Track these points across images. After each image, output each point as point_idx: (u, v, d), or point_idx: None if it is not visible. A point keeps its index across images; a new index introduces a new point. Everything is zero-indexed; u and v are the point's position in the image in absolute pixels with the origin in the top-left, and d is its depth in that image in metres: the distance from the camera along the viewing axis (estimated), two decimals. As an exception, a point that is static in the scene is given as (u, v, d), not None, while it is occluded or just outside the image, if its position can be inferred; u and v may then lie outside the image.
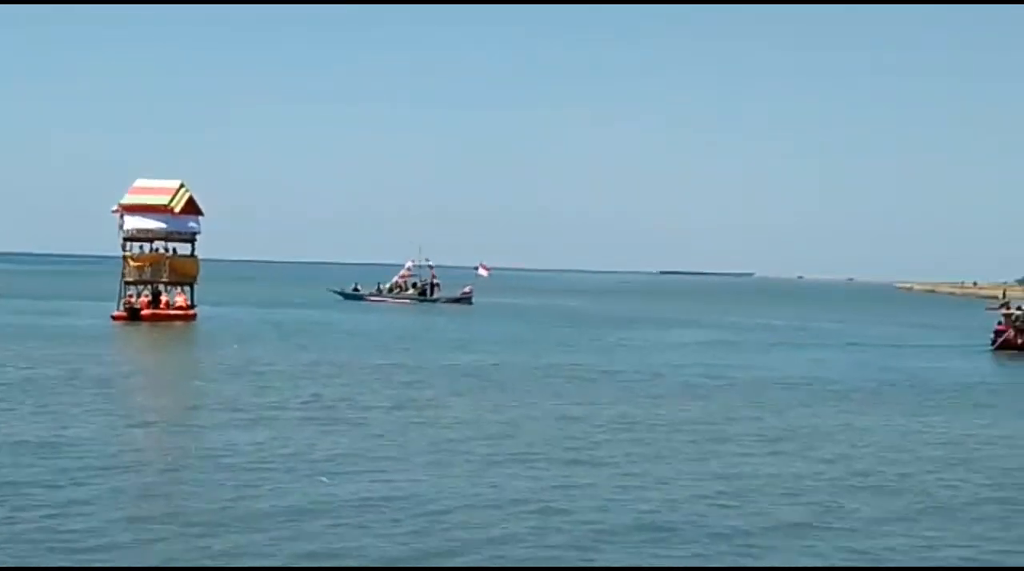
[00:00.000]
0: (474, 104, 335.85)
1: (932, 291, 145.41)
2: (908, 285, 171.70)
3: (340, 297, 68.02)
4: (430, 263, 66.70)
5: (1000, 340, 38.04)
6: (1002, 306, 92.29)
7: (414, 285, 66.92)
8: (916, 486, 14.42)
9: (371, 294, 67.36)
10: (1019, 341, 37.53)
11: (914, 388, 26.84)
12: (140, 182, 43.45)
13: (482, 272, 72.91)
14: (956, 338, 46.93)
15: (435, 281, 66.52)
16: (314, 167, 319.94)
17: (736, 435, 18.24)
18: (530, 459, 15.46)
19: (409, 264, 67.44)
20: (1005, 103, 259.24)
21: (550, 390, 23.70)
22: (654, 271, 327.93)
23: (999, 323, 38.99)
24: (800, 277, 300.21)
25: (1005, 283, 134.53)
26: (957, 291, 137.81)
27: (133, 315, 40.98)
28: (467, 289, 66.30)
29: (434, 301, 65.15)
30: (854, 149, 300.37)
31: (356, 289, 68.51)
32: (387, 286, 67.98)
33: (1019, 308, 40.17)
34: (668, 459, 15.85)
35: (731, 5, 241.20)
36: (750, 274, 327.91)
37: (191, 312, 42.39)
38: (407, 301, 65.06)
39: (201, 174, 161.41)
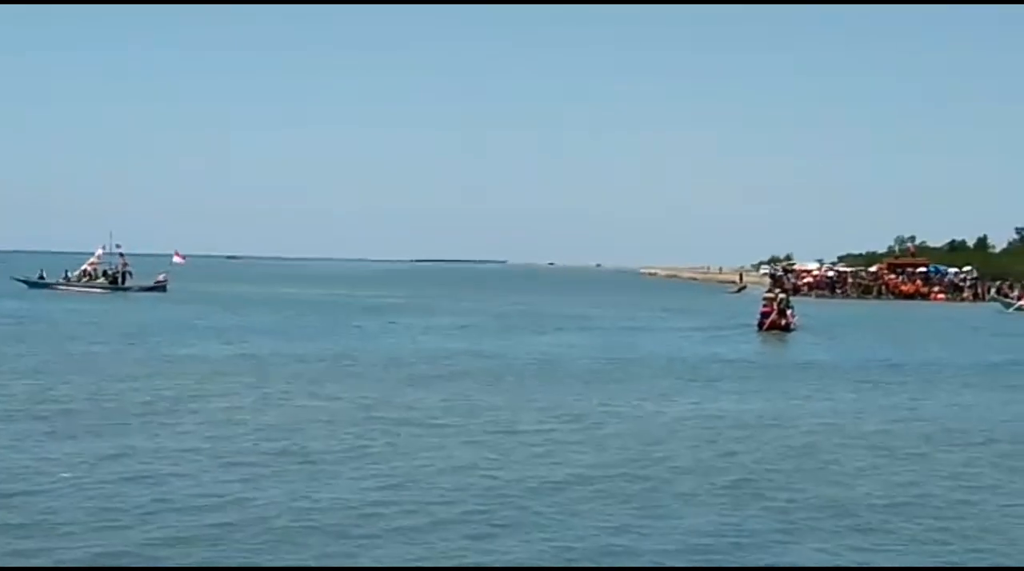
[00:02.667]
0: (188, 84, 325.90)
1: (675, 276, 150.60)
2: (653, 271, 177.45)
3: (25, 286, 64.55)
4: (121, 250, 64.95)
5: (768, 321, 40.19)
6: (740, 290, 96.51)
7: (104, 273, 64.91)
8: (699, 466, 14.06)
9: (58, 283, 64.62)
10: (782, 322, 40.28)
11: (686, 367, 27.38)
12: None
13: (177, 260, 73.71)
14: (719, 320, 48.50)
15: (127, 269, 64.88)
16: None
17: (464, 424, 17.57)
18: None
19: (99, 251, 65.32)
20: (747, 93, 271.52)
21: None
22: (408, 259, 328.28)
23: (765, 304, 41.49)
24: (551, 264, 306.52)
25: (743, 268, 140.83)
26: (699, 276, 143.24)
27: None
28: (161, 277, 65.21)
29: (126, 289, 63.41)
30: (595, 140, 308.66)
31: (42, 277, 65.69)
32: (75, 274, 65.57)
33: (784, 292, 45.08)
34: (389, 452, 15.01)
35: None
36: (503, 261, 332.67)
37: None
38: (98, 289, 62.71)
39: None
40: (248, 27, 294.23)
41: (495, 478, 13.47)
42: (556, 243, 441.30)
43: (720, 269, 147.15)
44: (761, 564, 10.24)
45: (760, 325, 40.74)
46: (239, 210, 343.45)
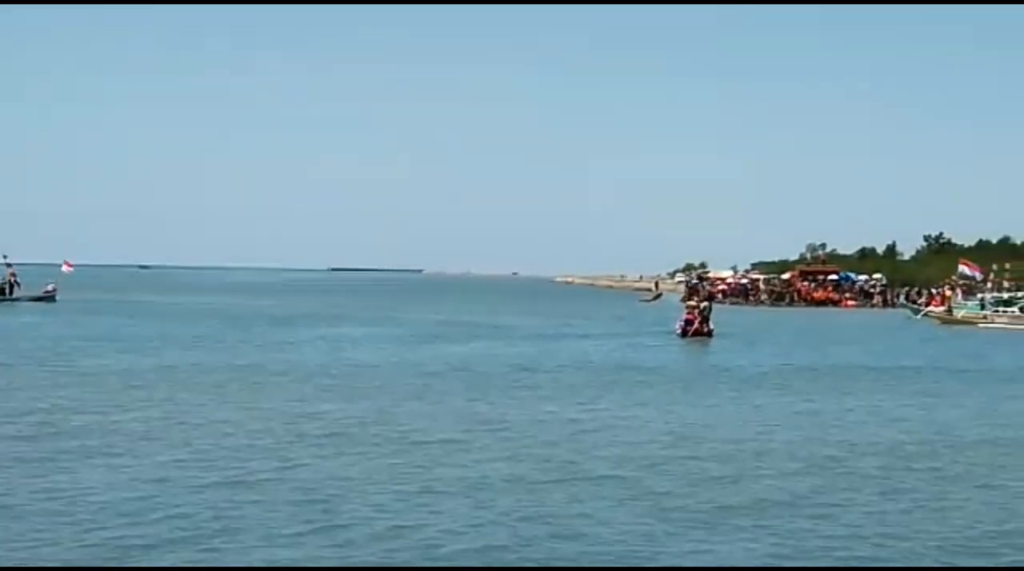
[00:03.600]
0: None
1: (591, 284, 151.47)
2: (569, 279, 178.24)
3: None
4: (7, 261, 63.71)
5: (692, 329, 41.21)
6: (656, 298, 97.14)
7: None
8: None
9: None
10: (705, 329, 41.45)
11: (619, 374, 27.32)
12: None
13: (66, 269, 73.26)
14: (638, 327, 49.00)
15: (15, 279, 63.69)
16: None
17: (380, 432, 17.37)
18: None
19: None
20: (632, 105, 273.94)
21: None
22: (324, 268, 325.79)
23: (688, 312, 42.79)
24: (467, 272, 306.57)
25: (658, 276, 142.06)
26: (615, 284, 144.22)
27: None
28: (50, 287, 64.44)
29: (15, 300, 62.15)
30: (512, 152, 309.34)
31: None
32: None
33: (708, 299, 48.00)
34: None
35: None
36: (419, 270, 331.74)
37: None
38: None
39: None
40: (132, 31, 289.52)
41: (408, 483, 13.31)
42: (473, 252, 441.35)
43: (641, 277, 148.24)
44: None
45: (684, 333, 41.53)
46: (149, 219, 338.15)
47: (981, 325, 55.67)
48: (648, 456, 15.77)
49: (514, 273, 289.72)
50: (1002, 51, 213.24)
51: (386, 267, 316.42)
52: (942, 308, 63.94)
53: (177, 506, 12.02)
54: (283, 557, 10.26)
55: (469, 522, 11.63)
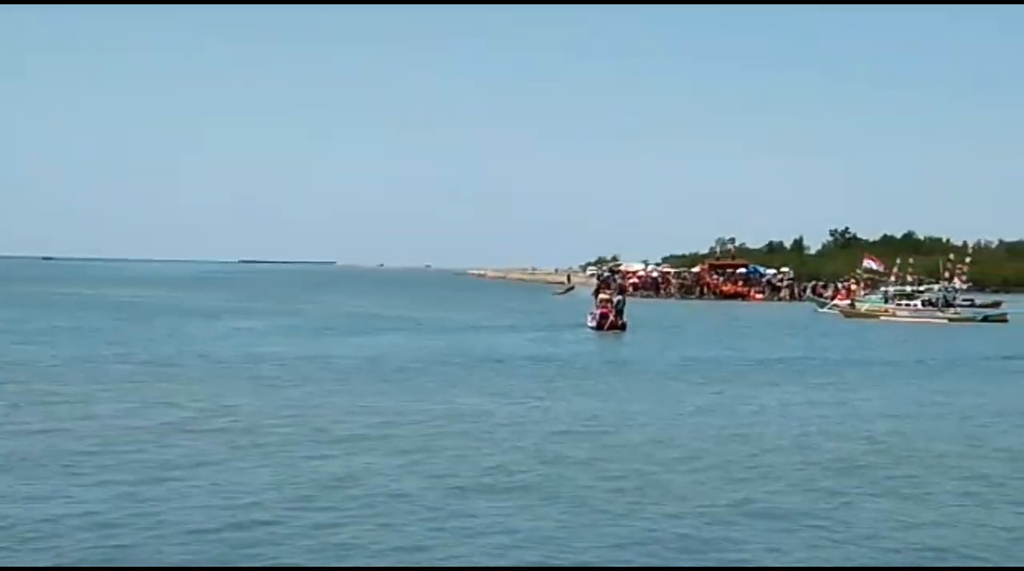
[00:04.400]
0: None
1: (504, 277, 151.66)
2: (482, 272, 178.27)
3: None
4: None
5: (608, 322, 42.09)
6: (567, 291, 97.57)
7: None
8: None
9: None
10: (619, 322, 42.43)
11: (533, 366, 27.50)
12: None
13: None
14: (550, 320, 49.47)
15: None
16: None
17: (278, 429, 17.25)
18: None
19: None
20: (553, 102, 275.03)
21: None
22: (234, 260, 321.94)
23: (602, 306, 43.86)
24: (381, 265, 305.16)
25: (570, 269, 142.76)
26: (527, 277, 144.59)
27: None
28: None
29: None
30: (424, 139, 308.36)
31: None
32: None
33: (621, 293, 49.68)
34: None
35: None
36: (332, 262, 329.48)
37: None
38: None
39: None
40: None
41: (318, 474, 13.25)
42: (386, 244, 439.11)
43: (556, 270, 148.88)
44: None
45: (600, 325, 42.32)
46: (55, 209, 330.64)
47: (883, 318, 56.97)
48: (560, 449, 15.88)
49: (427, 266, 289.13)
50: (901, 47, 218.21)
51: (299, 259, 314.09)
52: (847, 301, 65.26)
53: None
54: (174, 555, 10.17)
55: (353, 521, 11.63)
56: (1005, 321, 56.13)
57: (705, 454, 15.74)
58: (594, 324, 42.63)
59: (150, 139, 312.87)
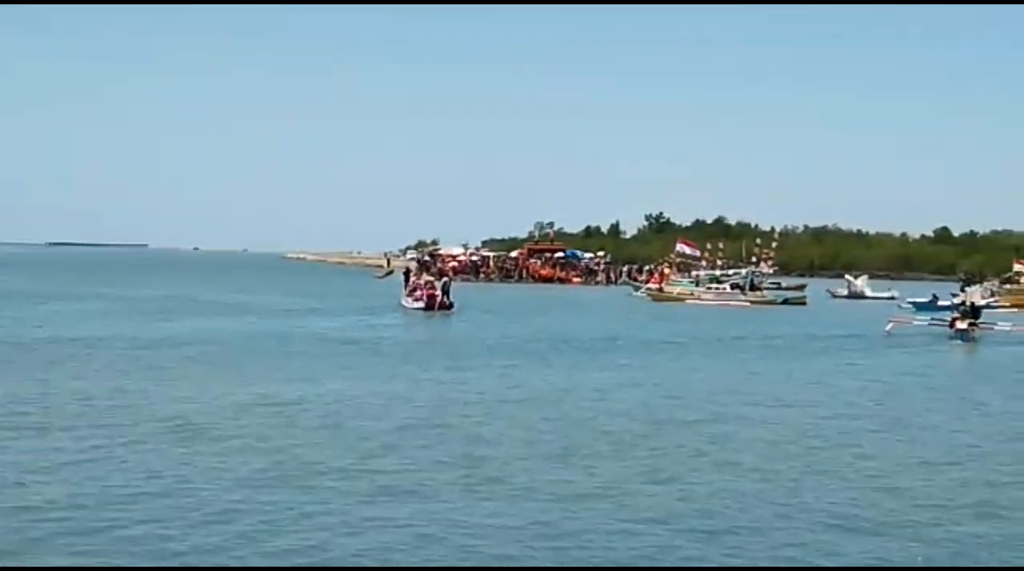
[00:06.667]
0: None
1: (323, 261, 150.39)
2: (301, 255, 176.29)
3: None
4: None
5: (437, 302, 44.18)
6: (387, 274, 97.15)
7: None
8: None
9: None
10: (446, 302, 44.46)
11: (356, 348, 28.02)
12: None
13: None
14: (371, 303, 49.76)
15: None
16: None
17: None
18: None
19: None
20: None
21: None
22: (42, 243, 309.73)
23: (428, 288, 45.76)
24: (196, 248, 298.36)
25: (389, 252, 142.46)
26: (346, 261, 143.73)
27: None
28: None
29: None
30: (249, 126, 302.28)
31: None
32: None
33: (442, 276, 52.70)
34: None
35: None
36: (145, 245, 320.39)
37: None
38: None
39: None
40: None
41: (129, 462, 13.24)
42: (201, 227, 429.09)
43: (385, 254, 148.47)
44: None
45: (429, 306, 43.92)
46: None
47: (689, 301, 59.04)
48: (389, 429, 16.20)
49: (244, 249, 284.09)
50: (734, 40, 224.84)
51: (110, 242, 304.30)
52: (657, 285, 67.20)
53: None
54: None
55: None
56: (804, 304, 58.71)
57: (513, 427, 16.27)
58: (422, 305, 44.03)
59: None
